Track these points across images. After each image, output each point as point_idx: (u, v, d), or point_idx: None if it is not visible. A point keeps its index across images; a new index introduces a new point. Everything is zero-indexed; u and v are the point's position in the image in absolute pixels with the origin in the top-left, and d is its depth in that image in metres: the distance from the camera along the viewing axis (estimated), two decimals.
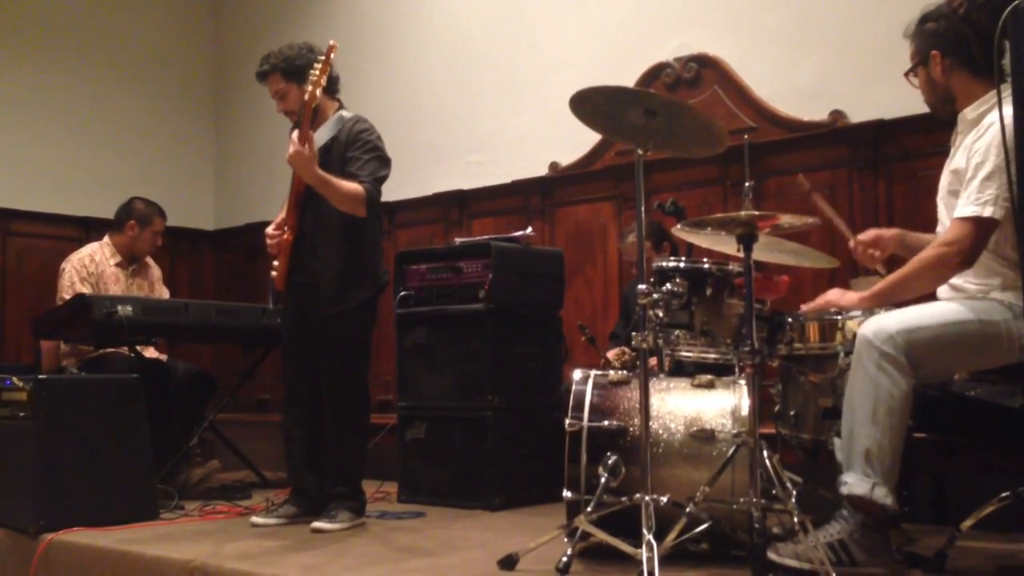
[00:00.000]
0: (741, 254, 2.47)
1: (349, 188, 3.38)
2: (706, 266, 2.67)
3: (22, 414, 3.55)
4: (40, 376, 3.64)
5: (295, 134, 3.34)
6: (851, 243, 2.95)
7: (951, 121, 2.75)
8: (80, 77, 6.71)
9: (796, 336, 2.64)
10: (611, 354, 4.10)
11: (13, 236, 6.31)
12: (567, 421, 2.89)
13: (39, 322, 4.41)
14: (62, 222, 6.43)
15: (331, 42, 3.35)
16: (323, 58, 3.33)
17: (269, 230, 3.62)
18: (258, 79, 3.62)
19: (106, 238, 4.77)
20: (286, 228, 3.54)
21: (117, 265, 4.69)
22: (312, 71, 3.33)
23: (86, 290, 4.49)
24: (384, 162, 3.54)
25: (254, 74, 3.62)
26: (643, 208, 2.67)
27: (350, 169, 3.45)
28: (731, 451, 2.58)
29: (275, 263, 3.60)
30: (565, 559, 2.60)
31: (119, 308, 4.02)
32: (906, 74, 2.78)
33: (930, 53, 2.66)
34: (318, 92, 3.32)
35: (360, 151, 3.49)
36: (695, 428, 2.81)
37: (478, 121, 5.84)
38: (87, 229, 6.34)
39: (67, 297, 4.42)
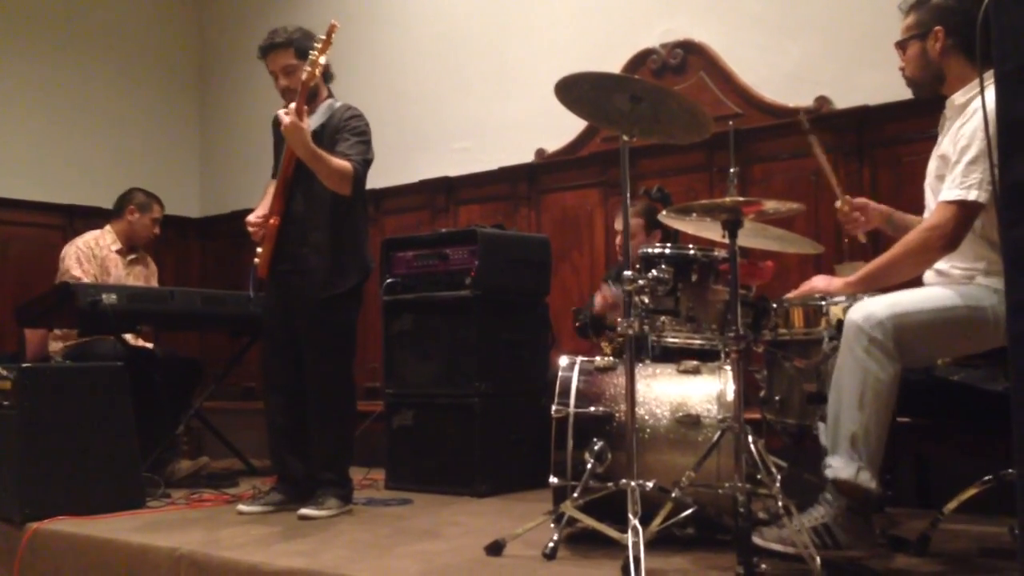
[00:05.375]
0: (726, 240, 2.48)
1: (339, 164, 3.41)
2: (691, 252, 2.67)
3: (7, 403, 3.54)
4: (24, 365, 3.63)
5: (288, 106, 3.36)
6: (838, 202, 2.93)
7: (930, 101, 2.75)
8: (64, 66, 6.65)
9: (781, 322, 2.65)
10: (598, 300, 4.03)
11: None
12: (553, 407, 2.90)
13: (22, 310, 4.39)
14: (46, 210, 6.37)
15: (332, 22, 3.35)
16: (323, 37, 3.35)
17: (251, 218, 3.62)
18: (264, 52, 3.61)
19: (107, 226, 4.83)
20: (272, 214, 3.54)
21: (118, 252, 4.72)
22: (312, 51, 3.36)
23: (92, 270, 4.53)
24: (370, 147, 3.55)
25: (258, 47, 3.62)
26: (628, 195, 2.68)
27: (339, 149, 3.48)
28: (716, 436, 2.59)
29: (258, 250, 3.59)
30: (552, 544, 2.62)
31: (104, 296, 4.00)
32: (897, 44, 2.74)
33: (933, 27, 2.63)
34: (317, 72, 3.35)
35: (349, 133, 3.51)
36: (681, 414, 2.82)
37: (465, 107, 5.82)
38: (71, 217, 6.31)
39: (78, 276, 4.43)
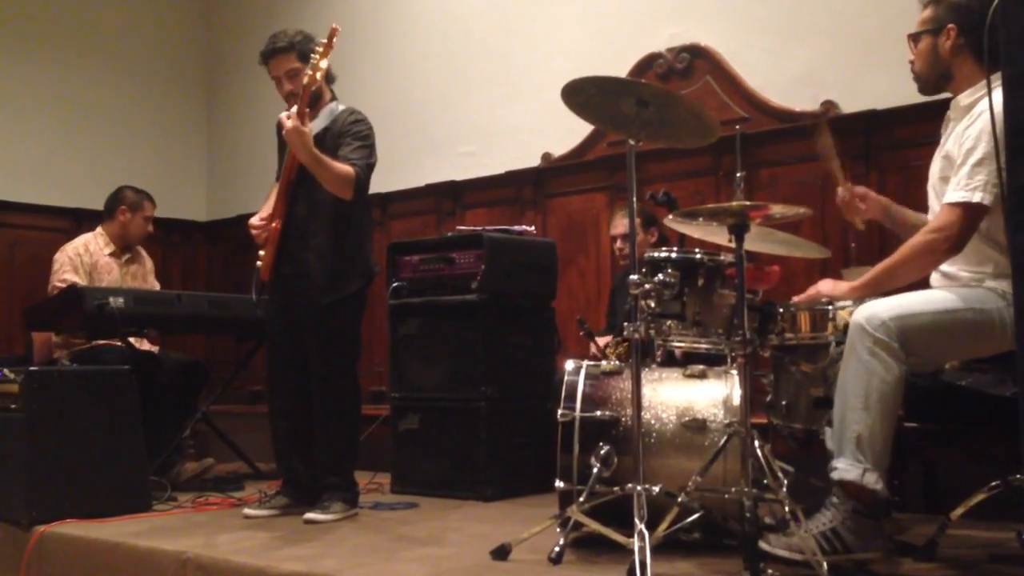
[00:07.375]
0: (733, 244, 2.47)
1: (341, 169, 3.40)
2: (698, 256, 2.67)
3: (14, 406, 3.54)
4: (32, 368, 3.64)
5: (291, 110, 3.36)
6: (839, 189, 2.92)
7: (939, 104, 2.74)
8: (71, 69, 6.68)
9: (787, 326, 2.64)
10: (602, 341, 4.08)
11: (4, 228, 6.27)
12: (559, 411, 2.90)
13: (30, 313, 4.40)
14: (53, 214, 6.40)
15: (333, 25, 3.35)
16: (325, 41, 3.35)
17: (254, 221, 3.61)
18: (267, 57, 3.59)
19: (99, 228, 4.77)
20: (275, 217, 3.54)
21: (111, 255, 4.69)
22: (313, 54, 3.36)
23: (77, 279, 4.49)
24: (373, 151, 3.55)
25: (260, 53, 3.60)
26: (635, 198, 2.67)
27: (342, 153, 3.47)
28: (723, 441, 2.58)
29: (260, 253, 3.59)
30: (558, 549, 2.62)
31: (111, 299, 4.01)
32: (910, 36, 2.71)
33: (947, 25, 2.61)
34: (318, 75, 3.34)
35: (352, 138, 3.50)
36: (687, 418, 2.82)
37: (471, 111, 5.82)
38: (78, 221, 6.32)
39: (59, 286, 4.42)
